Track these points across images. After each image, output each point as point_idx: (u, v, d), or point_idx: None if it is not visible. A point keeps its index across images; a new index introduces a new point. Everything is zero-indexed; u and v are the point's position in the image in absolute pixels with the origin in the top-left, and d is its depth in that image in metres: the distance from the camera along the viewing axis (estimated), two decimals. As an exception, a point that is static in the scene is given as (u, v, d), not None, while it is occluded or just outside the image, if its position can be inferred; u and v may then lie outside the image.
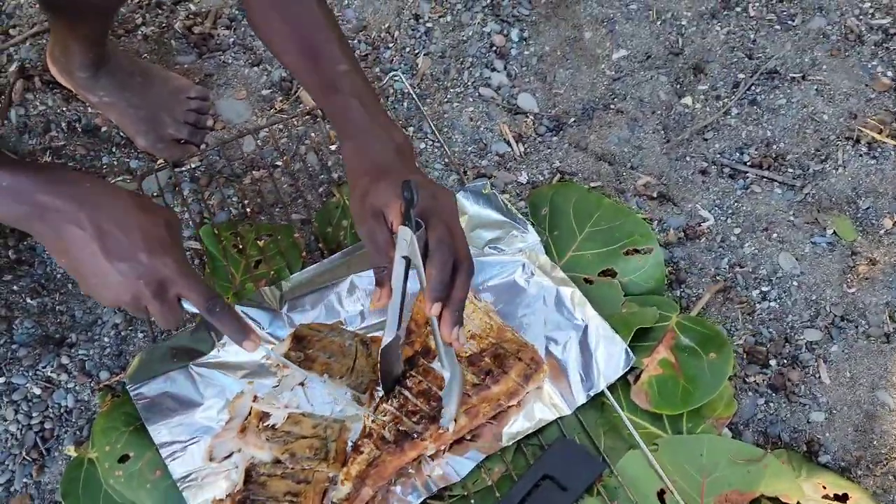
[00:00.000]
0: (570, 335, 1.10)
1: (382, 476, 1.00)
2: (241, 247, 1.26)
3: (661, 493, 0.98)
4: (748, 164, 1.28)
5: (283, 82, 1.44)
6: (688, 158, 1.30)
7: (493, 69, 1.42)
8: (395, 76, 1.40)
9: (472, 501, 1.00)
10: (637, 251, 1.15)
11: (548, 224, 1.21)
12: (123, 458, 1.06)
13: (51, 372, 1.18)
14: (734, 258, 1.19)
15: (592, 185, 1.28)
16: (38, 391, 1.17)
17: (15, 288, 1.25)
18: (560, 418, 1.05)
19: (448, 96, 1.40)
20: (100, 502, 1.05)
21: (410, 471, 1.02)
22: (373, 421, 1.03)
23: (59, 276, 1.27)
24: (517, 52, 1.44)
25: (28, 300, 1.25)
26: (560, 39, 1.45)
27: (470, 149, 1.34)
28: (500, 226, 1.20)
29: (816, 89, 1.35)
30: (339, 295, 1.17)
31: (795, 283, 1.15)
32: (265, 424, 1.05)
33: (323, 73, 1.01)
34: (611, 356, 1.08)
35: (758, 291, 1.15)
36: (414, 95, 1.37)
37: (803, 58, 1.39)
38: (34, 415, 1.15)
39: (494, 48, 1.45)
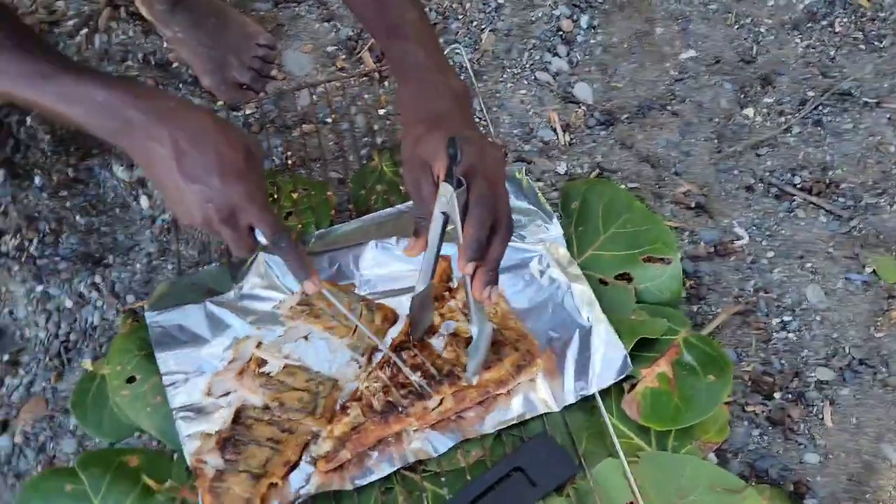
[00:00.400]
0: (573, 333, 1.08)
1: (363, 443, 1.02)
2: (276, 196, 1.28)
3: (629, 505, 0.96)
4: (798, 186, 1.22)
5: (348, 41, 1.45)
6: (735, 172, 1.24)
7: (556, 54, 1.39)
8: (457, 49, 1.39)
9: (443, 479, 1.00)
10: (657, 259, 1.11)
11: (575, 218, 1.18)
12: (131, 380, 1.10)
13: (84, 288, 1.24)
14: (761, 282, 1.14)
15: (630, 185, 1.24)
16: (69, 304, 1.23)
17: (68, 204, 1.32)
18: (546, 414, 1.04)
19: (504, 76, 1.37)
20: (104, 417, 1.10)
21: (390, 440, 1.04)
22: (365, 386, 1.05)
23: (109, 199, 1.33)
24: (583, 40, 1.41)
25: (77, 217, 1.31)
26: (630, 32, 1.40)
27: (516, 131, 1.32)
28: (527, 213, 1.18)
29: (889, 118, 1.26)
30: (356, 258, 1.18)
31: (819, 318, 1.09)
32: (262, 371, 1.08)
33: (388, 16, 1.00)
34: (609, 361, 1.05)
35: (778, 320, 1.10)
36: (471, 71, 1.35)
37: (882, 83, 1.30)
38: (62, 326, 1.22)
39: (561, 32, 1.41)
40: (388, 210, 1.22)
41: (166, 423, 1.07)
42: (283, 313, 1.13)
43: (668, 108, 1.32)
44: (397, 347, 1.07)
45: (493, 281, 0.89)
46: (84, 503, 1.01)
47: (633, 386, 1.04)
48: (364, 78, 1.40)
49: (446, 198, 0.86)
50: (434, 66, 0.97)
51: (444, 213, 0.88)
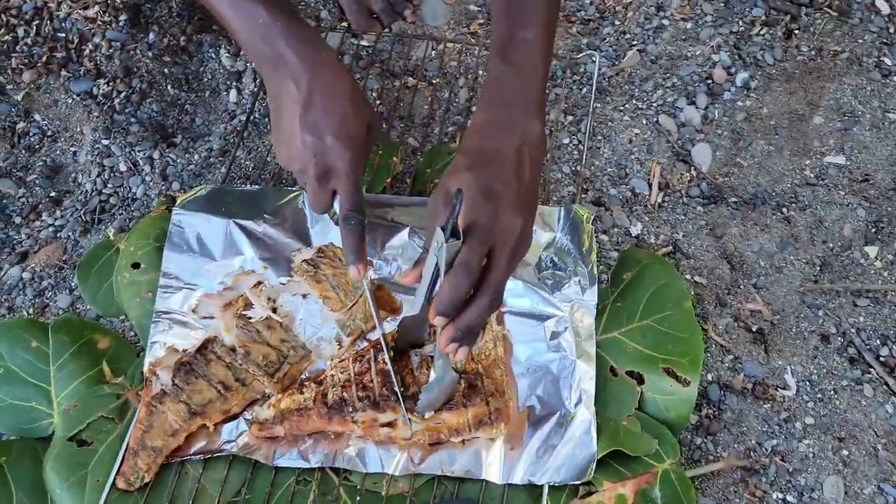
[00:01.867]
0: (555, 413, 0.96)
1: (300, 428, 0.96)
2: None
3: None
4: (881, 360, 1.01)
5: (493, 6, 1.32)
6: (820, 313, 1.05)
7: (692, 102, 1.21)
8: (593, 57, 1.23)
9: (359, 498, 0.94)
10: (675, 375, 0.96)
11: (619, 290, 1.04)
12: (136, 265, 1.09)
13: (141, 158, 1.22)
14: (784, 446, 0.97)
15: (697, 279, 1.07)
16: (123, 168, 1.22)
17: (166, 71, 1.29)
18: (486, 482, 0.94)
19: (626, 105, 1.21)
20: (101, 288, 1.10)
21: (330, 436, 0.97)
22: (331, 374, 0.98)
23: (204, 80, 1.30)
24: (730, 98, 1.21)
25: (169, 87, 1.29)
26: (785, 109, 1.19)
27: (609, 170, 1.16)
28: (571, 267, 1.05)
29: None
30: (387, 237, 1.09)
31: (824, 515, 0.92)
32: (245, 312, 1.03)
33: (504, 29, 0.90)
34: (575, 458, 0.93)
35: (780, 496, 0.93)
36: (594, 87, 1.20)
37: None
38: (108, 186, 1.21)
39: (710, 81, 1.22)
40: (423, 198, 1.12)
41: (147, 320, 1.05)
42: (295, 264, 1.07)
43: (784, 210, 1.12)
44: (381, 345, 0.99)
45: (461, 341, 0.81)
46: (41, 364, 1.02)
47: (589, 493, 0.93)
48: (486, 52, 1.27)
49: (437, 243, 0.77)
50: (521, 104, 0.86)
51: (435, 255, 0.79)
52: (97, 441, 0.97)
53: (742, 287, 1.07)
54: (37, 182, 1.23)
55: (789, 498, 0.93)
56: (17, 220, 1.19)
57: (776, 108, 1.20)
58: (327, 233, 1.10)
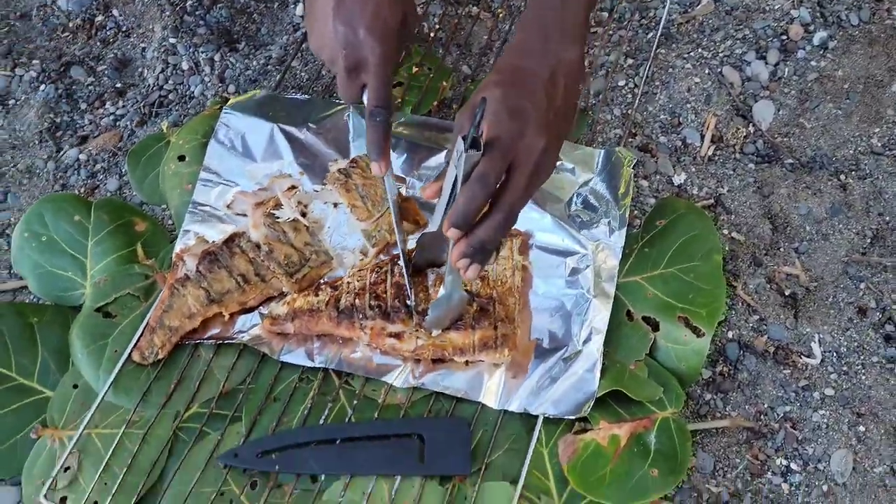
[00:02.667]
0: (562, 347, 0.95)
1: (309, 328, 0.97)
2: (399, 60, 1.21)
3: (492, 537, 0.86)
4: (921, 341, 0.95)
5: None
6: (863, 286, 0.99)
7: (762, 57, 1.15)
8: (664, 1, 1.19)
9: (356, 402, 0.95)
10: (690, 326, 0.93)
11: (650, 237, 1.01)
12: (181, 158, 1.12)
13: (203, 60, 1.25)
14: (797, 413, 0.92)
15: (734, 235, 1.03)
16: (185, 67, 1.26)
17: (238, -23, 1.32)
18: (483, 406, 0.94)
19: (691, 53, 1.16)
20: (148, 176, 1.14)
21: (339, 340, 0.98)
22: (347, 281, 0.99)
23: (275, -11, 1.32)
24: (803, 57, 1.14)
25: (240, -8, 1.31)
26: (862, 73, 1.12)
27: (661, 117, 1.12)
28: (603, 207, 1.02)
29: None
30: (425, 157, 1.09)
31: (825, 489, 0.87)
32: (273, 212, 1.05)
33: None
34: (575, 393, 0.91)
35: (784, 463, 0.89)
36: (660, 32, 1.15)
37: None
38: (169, 83, 1.25)
39: (784, 37, 1.16)
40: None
41: (184, 210, 1.08)
42: (330, 173, 1.08)
43: (841, 177, 1.05)
44: (400, 258, 0.99)
45: (473, 258, 0.79)
46: (80, 237, 1.07)
47: (583, 429, 0.91)
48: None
49: (456, 154, 0.75)
50: (560, 28, 0.83)
51: (455, 166, 0.78)
52: (121, 315, 1.02)
53: (782, 249, 1.02)
54: (105, 73, 1.28)
55: (793, 465, 0.89)
56: (83, 105, 1.25)
57: (852, 71, 1.12)
58: (361, 147, 1.10)
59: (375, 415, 0.94)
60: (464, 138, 0.73)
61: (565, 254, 1.00)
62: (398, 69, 0.91)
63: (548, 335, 0.96)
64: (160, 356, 0.98)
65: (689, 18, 1.19)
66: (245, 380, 0.98)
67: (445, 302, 0.91)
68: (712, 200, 1.05)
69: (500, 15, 1.25)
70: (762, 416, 0.92)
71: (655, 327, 0.95)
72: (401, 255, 0.96)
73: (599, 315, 0.96)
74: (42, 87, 1.25)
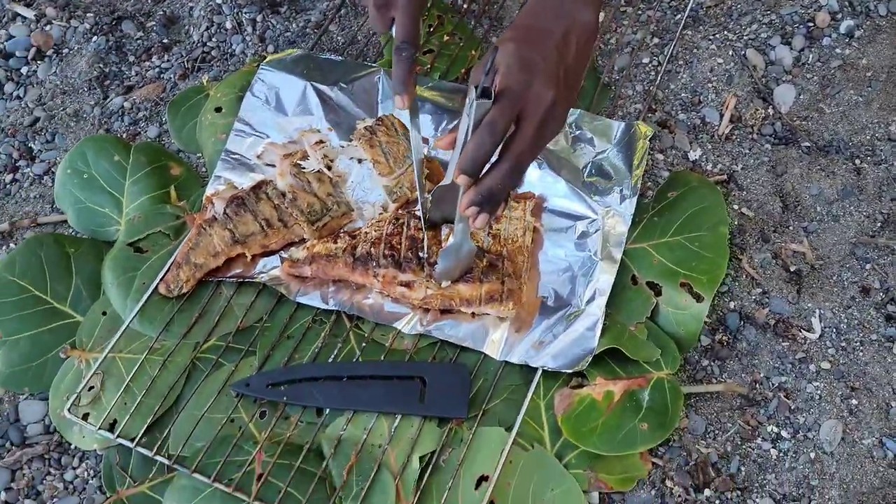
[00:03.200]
0: (565, 305, 0.98)
1: (326, 273, 1.02)
2: (431, 29, 1.24)
3: (484, 478, 0.89)
4: (925, 323, 0.95)
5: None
6: (868, 267, 1.00)
7: (787, 42, 1.16)
8: (694, -16, 1.21)
9: (364, 345, 0.99)
10: (692, 291, 0.95)
11: (660, 207, 1.03)
12: (218, 109, 1.18)
13: (246, 20, 1.30)
14: (791, 384, 0.93)
15: (744, 210, 1.04)
16: (228, 26, 1.31)
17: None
18: (485, 356, 0.97)
19: (716, 35, 1.17)
20: (186, 125, 1.20)
21: (353, 286, 1.03)
22: (365, 231, 1.03)
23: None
24: (828, 45, 1.15)
25: (285, -40, 1.36)
26: (886, 63, 1.12)
27: (682, 95, 1.14)
28: (616, 175, 1.04)
29: None
30: (450, 122, 1.12)
31: (812, 457, 0.88)
32: (300, 162, 1.10)
33: None
34: (573, 349, 0.94)
35: (775, 430, 0.91)
36: (688, 15, 1.17)
37: None
38: (212, 40, 1.30)
39: (810, 24, 1.17)
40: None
41: (217, 157, 1.13)
42: (356, 131, 1.13)
43: (856, 161, 1.06)
44: (418, 212, 1.03)
45: (481, 206, 0.82)
46: (118, 176, 1.13)
47: (580, 385, 0.94)
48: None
49: (468, 102, 0.79)
50: None
51: (468, 115, 0.81)
52: (151, 251, 1.07)
53: (791, 227, 1.03)
54: (154, 28, 1.34)
55: (783, 433, 0.90)
56: (131, 58, 1.31)
57: (877, 60, 1.13)
58: (393, 109, 1.14)
59: (382, 357, 0.98)
60: (475, 87, 0.77)
61: (576, 218, 1.03)
62: (426, 4, 0.94)
63: (553, 294, 0.99)
64: (184, 290, 1.03)
65: (718, 2, 1.21)
66: (262, 317, 1.02)
67: (454, 252, 0.94)
68: (725, 177, 1.06)
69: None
70: (757, 385, 0.94)
71: (658, 293, 0.97)
72: (420, 209, 1.00)
73: (604, 277, 0.98)
74: (94, 38, 1.32)
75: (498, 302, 0.96)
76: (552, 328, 0.97)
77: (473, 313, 0.99)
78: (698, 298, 0.95)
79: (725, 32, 1.18)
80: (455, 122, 1.12)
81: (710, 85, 1.14)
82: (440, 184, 0.94)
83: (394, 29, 0.94)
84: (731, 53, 1.15)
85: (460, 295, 0.98)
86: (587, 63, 0.88)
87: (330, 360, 0.98)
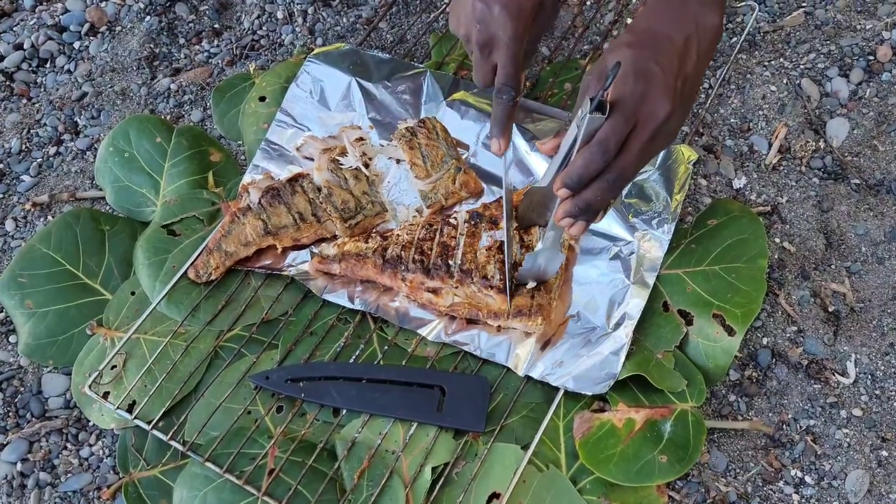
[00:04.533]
0: (593, 328, 0.95)
1: (354, 272, 1.00)
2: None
3: (495, 495, 0.87)
4: (964, 378, 0.91)
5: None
6: (912, 313, 0.96)
7: (845, 75, 1.12)
8: (751, 5, 1.16)
9: (386, 348, 0.97)
10: (724, 324, 0.91)
11: (699, 234, 1.00)
12: (262, 98, 1.17)
13: (298, 11, 1.30)
14: (820, 429, 0.90)
15: (786, 245, 1.00)
16: (280, 16, 1.30)
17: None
18: (507, 370, 0.95)
19: (772, 62, 1.13)
20: (229, 113, 1.19)
21: (381, 287, 1.01)
22: (397, 234, 1.02)
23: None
24: (888, 80, 1.11)
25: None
26: (947, 103, 1.08)
27: (731, 120, 1.10)
28: (657, 197, 1.01)
29: None
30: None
31: (836, 505, 0.85)
32: (338, 157, 1.08)
33: None
34: (596, 371, 0.91)
35: (799, 475, 0.87)
36: (744, 38, 1.13)
37: None
38: (263, 29, 1.29)
39: (871, 58, 1.12)
40: (555, 110, 1.12)
41: (257, 146, 1.13)
42: (397, 131, 1.11)
43: (909, 203, 1.02)
44: (473, 217, 1.00)
45: (577, 216, 0.79)
46: (159, 158, 1.12)
47: (601, 409, 0.91)
48: (646, -18, 1.23)
49: (581, 113, 0.76)
50: None
51: (577, 126, 0.78)
52: (184, 235, 1.06)
53: (833, 266, 0.99)
54: (206, 13, 1.33)
55: (808, 479, 0.87)
56: (181, 40, 1.31)
57: (937, 100, 1.09)
58: (436, 111, 1.12)
59: (403, 362, 0.96)
60: (591, 100, 0.73)
61: (612, 239, 1.00)
62: (532, 55, 0.90)
63: (582, 314, 0.97)
64: (213, 277, 1.03)
65: (777, 28, 1.17)
66: (287, 311, 1.01)
67: (540, 257, 0.91)
68: (769, 208, 1.03)
69: (588, 1, 1.25)
70: (784, 426, 0.90)
71: (689, 322, 0.94)
72: (506, 247, 0.95)
73: (635, 301, 0.95)
74: (147, 18, 1.32)
75: (526, 316, 0.94)
76: (577, 348, 0.94)
77: (499, 326, 0.97)
78: (731, 332, 0.91)
79: (781, 59, 1.14)
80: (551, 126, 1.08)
81: (760, 112, 1.10)
82: (535, 185, 0.91)
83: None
84: (785, 81, 1.11)
85: (488, 306, 0.95)
86: (704, 73, 0.82)
87: (351, 360, 0.97)
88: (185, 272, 1.03)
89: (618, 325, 0.95)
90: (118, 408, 0.94)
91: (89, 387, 0.96)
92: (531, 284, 0.95)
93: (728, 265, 0.96)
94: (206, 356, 0.98)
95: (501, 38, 0.85)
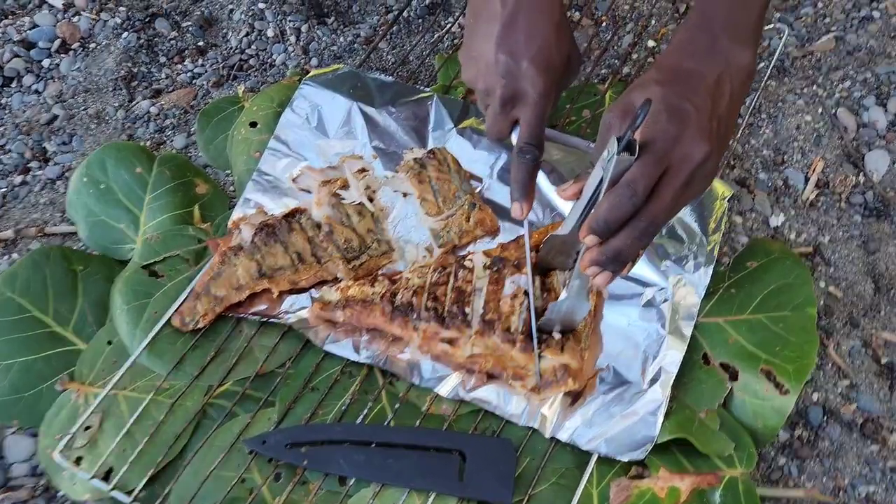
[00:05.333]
0: (626, 384, 0.86)
1: (360, 320, 0.90)
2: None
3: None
4: None
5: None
6: (971, 365, 0.88)
7: (882, 104, 1.05)
8: (781, 31, 1.10)
9: (397, 406, 0.87)
10: (774, 381, 0.83)
11: (737, 278, 0.92)
12: (253, 124, 1.07)
13: (290, 28, 1.20)
14: (881, 496, 0.82)
15: (831, 289, 0.93)
16: (270, 34, 1.21)
17: (339, -46, 1.27)
18: (533, 430, 0.85)
19: (804, 90, 1.07)
20: (216, 139, 1.09)
21: (389, 336, 0.91)
22: (407, 277, 0.92)
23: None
24: (929, 110, 1.04)
25: (338, -29, 1.26)
26: None
27: (764, 152, 1.03)
28: (690, 240, 0.93)
29: None
30: (507, 157, 1.01)
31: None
32: (339, 191, 0.98)
33: None
34: (632, 434, 0.83)
35: (859, 549, 0.80)
36: (773, 65, 1.06)
37: None
38: (252, 47, 1.20)
39: (909, 86, 1.06)
40: (574, 139, 1.03)
41: (248, 176, 1.03)
42: (404, 161, 1.02)
43: (958, 244, 0.95)
44: (495, 262, 0.91)
45: (604, 265, 0.71)
46: (139, 190, 1.02)
47: (640, 475, 0.82)
48: (663, 1, 1.16)
49: (608, 153, 0.67)
50: (732, 27, 0.74)
51: (602, 168, 0.70)
52: (168, 276, 0.96)
53: (883, 313, 0.92)
54: (190, 29, 1.23)
55: (871, 553, 0.79)
56: (162, 59, 1.21)
57: (982, 132, 1.02)
58: (445, 140, 1.03)
59: (417, 423, 0.86)
60: (618, 140, 0.65)
61: (643, 284, 0.92)
62: (552, 110, 0.83)
63: (612, 368, 0.88)
64: (201, 325, 0.92)
65: (806, 53, 1.10)
66: (284, 363, 0.91)
67: (565, 305, 0.83)
68: (811, 249, 0.95)
69: (604, 23, 1.17)
70: (841, 493, 0.82)
71: (734, 376, 0.86)
72: (529, 292, 0.86)
73: (671, 354, 0.87)
74: (125, 34, 1.21)
75: (556, 384, 0.85)
76: (609, 407, 0.85)
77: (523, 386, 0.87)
78: (782, 389, 0.83)
79: (814, 87, 1.07)
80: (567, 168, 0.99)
81: (795, 144, 1.03)
82: (555, 232, 0.83)
83: (514, 132, 0.82)
84: (820, 111, 1.04)
85: (514, 361, 0.86)
86: (738, 114, 0.76)
87: (358, 420, 0.87)
88: (169, 319, 0.92)
89: (653, 380, 0.86)
90: (93, 476, 0.83)
91: (60, 451, 0.85)
92: (557, 334, 0.86)
93: (773, 314, 0.88)
94: (193, 416, 0.87)
95: (529, 95, 0.79)
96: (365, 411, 0.87)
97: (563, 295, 0.83)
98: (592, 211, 0.70)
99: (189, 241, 0.99)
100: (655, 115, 0.68)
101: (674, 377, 0.85)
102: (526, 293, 0.88)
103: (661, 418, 0.83)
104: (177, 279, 0.96)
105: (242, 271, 0.93)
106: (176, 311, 0.93)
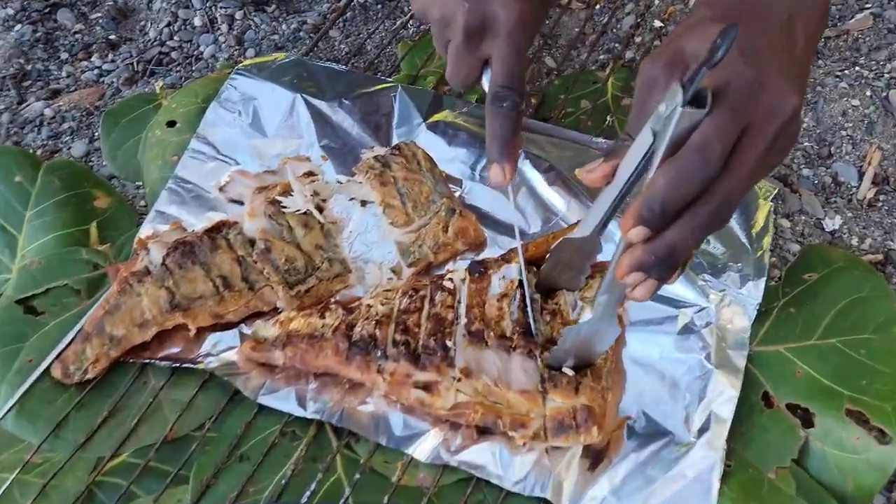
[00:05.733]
0: (666, 435, 0.65)
1: (305, 362, 0.68)
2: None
3: None
4: None
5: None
6: None
7: (940, 84, 0.88)
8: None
9: (358, 475, 0.64)
10: (867, 422, 0.63)
11: (795, 293, 0.72)
12: (171, 123, 0.86)
13: (221, 16, 1.01)
14: None
15: (911, 306, 0.74)
16: (197, 23, 1.01)
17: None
18: (545, 501, 0.63)
19: (846, 71, 0.90)
20: (125, 145, 0.88)
21: (345, 383, 0.69)
22: (368, 304, 0.70)
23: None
24: None
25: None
26: None
27: (806, 143, 0.85)
28: (731, 244, 0.73)
29: None
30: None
31: None
32: (279, 198, 0.77)
33: None
34: (680, 502, 0.61)
35: None
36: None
37: None
38: (174, 38, 1.00)
39: (969, 63, 0.89)
40: (572, 133, 0.84)
41: (162, 185, 0.81)
42: (362, 162, 0.81)
43: None
44: (474, 267, 0.71)
45: (650, 270, 0.52)
46: (18, 204, 0.81)
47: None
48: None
49: (665, 108, 0.47)
50: None
51: (654, 132, 0.49)
52: (50, 313, 0.74)
53: (979, 334, 0.72)
54: (100, 21, 1.03)
55: None
56: (64, 55, 0.99)
57: None
58: (412, 137, 0.83)
59: (385, 499, 0.63)
60: (683, 86, 0.46)
61: (677, 304, 0.71)
62: (530, 45, 0.65)
63: (643, 414, 0.67)
64: (90, 375, 0.70)
65: (840, 32, 0.94)
66: (203, 424, 0.68)
67: (584, 331, 0.62)
68: (881, 256, 0.76)
69: (598, 5, 1.00)
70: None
71: (808, 422, 0.65)
72: (524, 280, 0.69)
73: (723, 395, 0.66)
74: (18, 27, 1.00)
75: (572, 431, 0.63)
76: (644, 468, 0.64)
77: (525, 443, 0.65)
78: (882, 438, 0.62)
79: (857, 69, 0.90)
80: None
81: (843, 133, 0.85)
82: (570, 235, 0.63)
83: (486, 73, 0.66)
84: (869, 94, 0.87)
85: (512, 410, 0.64)
86: (812, 59, 0.60)
87: (303, 499, 0.63)
88: (48, 369, 0.69)
89: (702, 430, 0.65)
90: None
91: None
92: (569, 370, 0.65)
93: (850, 336, 0.68)
94: (75, 499, 0.63)
95: (501, 22, 0.63)
96: (313, 486, 0.64)
97: (584, 317, 0.62)
98: (644, 191, 0.49)
99: (81, 268, 0.76)
100: (728, 57, 0.48)
101: (729, 425, 0.64)
102: (521, 283, 0.68)
103: (716, 482, 0.62)
104: (61, 317, 0.74)
105: (149, 302, 0.70)
106: (57, 357, 0.70)
